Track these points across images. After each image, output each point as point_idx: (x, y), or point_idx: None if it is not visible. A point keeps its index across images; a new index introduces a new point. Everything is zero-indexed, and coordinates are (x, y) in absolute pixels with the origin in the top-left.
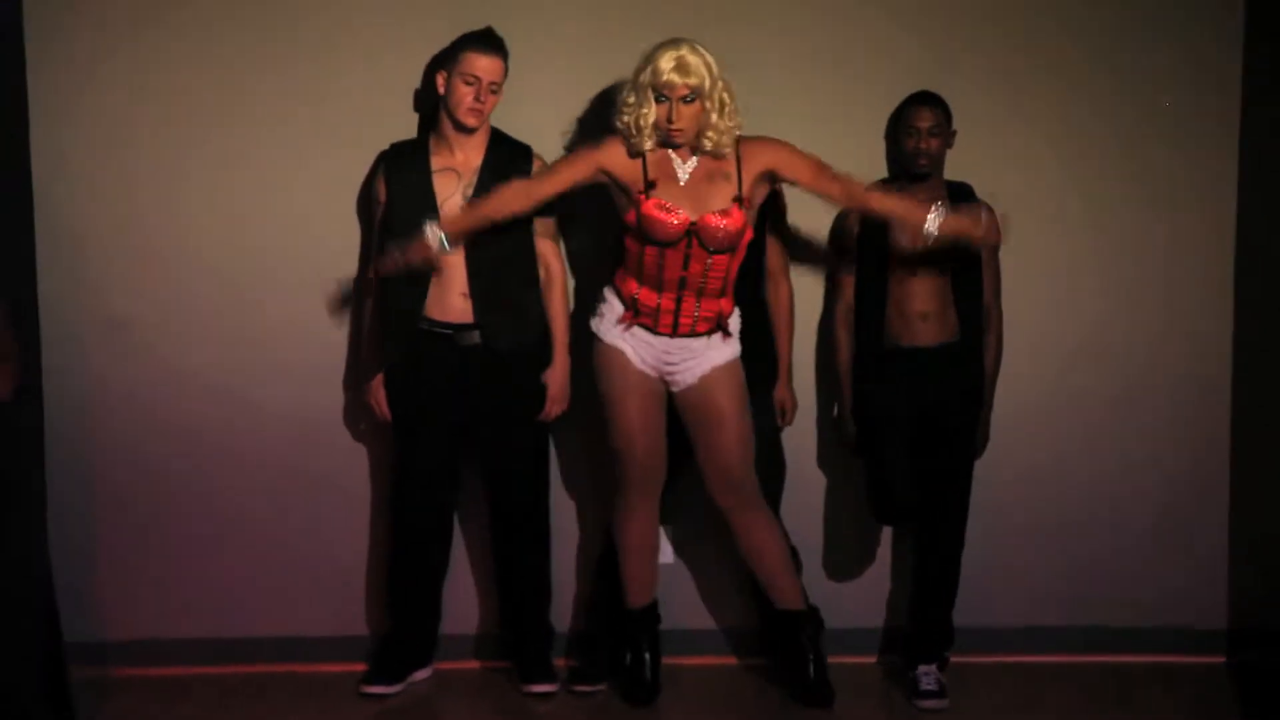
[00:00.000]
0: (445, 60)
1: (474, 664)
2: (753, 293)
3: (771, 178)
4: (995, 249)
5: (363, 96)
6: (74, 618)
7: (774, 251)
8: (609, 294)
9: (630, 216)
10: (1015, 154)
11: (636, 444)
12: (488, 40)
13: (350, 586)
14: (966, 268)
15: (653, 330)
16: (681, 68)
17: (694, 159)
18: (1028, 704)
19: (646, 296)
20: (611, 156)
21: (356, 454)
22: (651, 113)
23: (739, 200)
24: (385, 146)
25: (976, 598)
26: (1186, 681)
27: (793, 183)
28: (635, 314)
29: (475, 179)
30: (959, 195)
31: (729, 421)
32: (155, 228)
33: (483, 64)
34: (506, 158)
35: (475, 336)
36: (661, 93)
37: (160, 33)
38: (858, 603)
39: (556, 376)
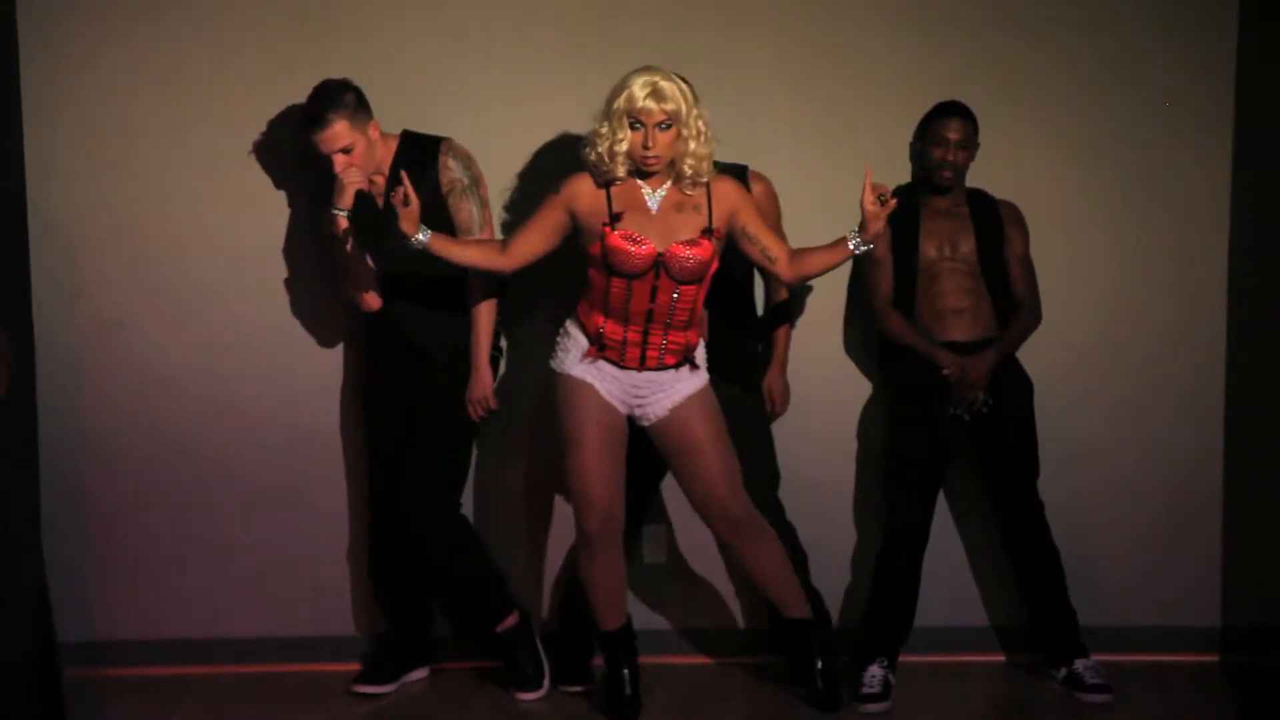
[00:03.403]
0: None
1: (479, 664)
2: (741, 291)
3: (732, 224)
4: (1025, 248)
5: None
6: (67, 618)
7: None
8: (572, 328)
9: (595, 248)
10: (1009, 157)
11: (594, 492)
12: (316, 117)
13: (344, 587)
14: (999, 264)
15: (619, 364)
16: (657, 93)
17: (664, 188)
18: (1023, 703)
19: (612, 330)
20: (574, 195)
21: (349, 455)
22: (626, 140)
23: (709, 232)
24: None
25: (971, 598)
26: (1180, 680)
27: (742, 234)
28: (601, 348)
29: (384, 182)
30: (978, 201)
31: (707, 449)
32: (148, 231)
33: (324, 141)
34: (415, 159)
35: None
36: (637, 119)
37: (154, 37)
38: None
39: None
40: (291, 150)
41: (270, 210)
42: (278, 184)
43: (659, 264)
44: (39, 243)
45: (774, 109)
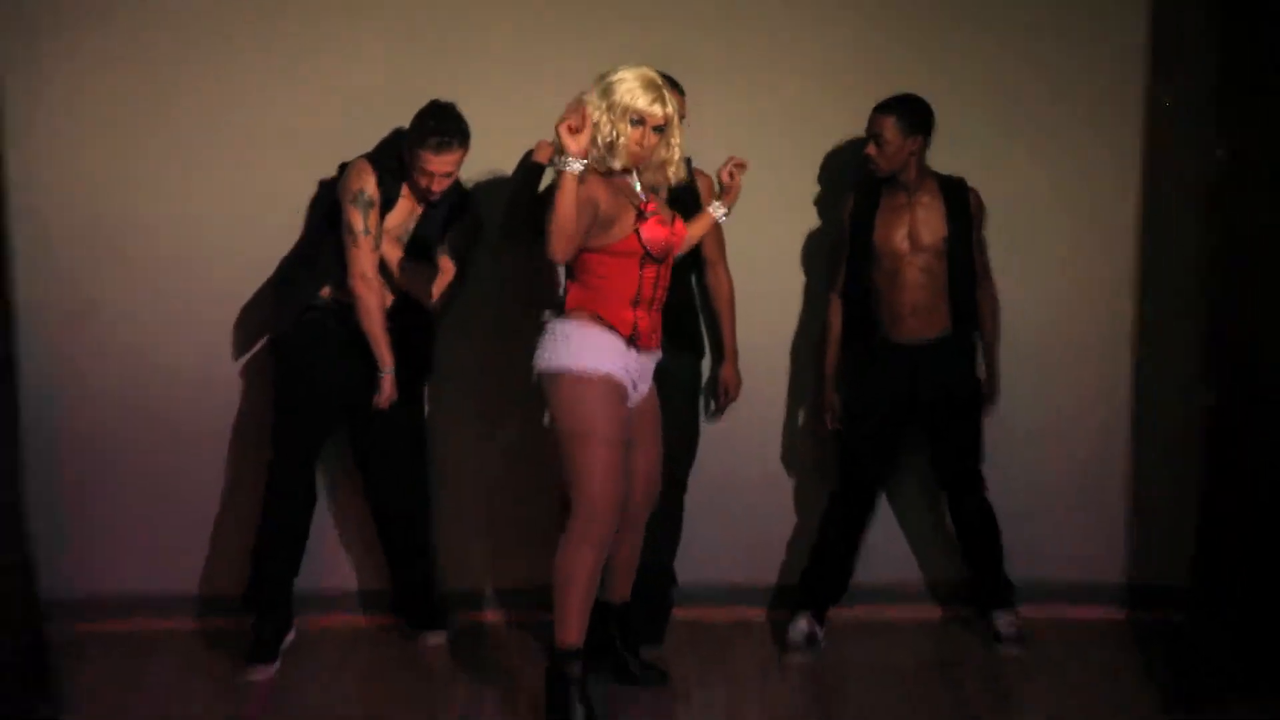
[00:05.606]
0: (410, 141)
1: (360, 619)
2: (684, 266)
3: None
4: (981, 227)
5: (318, 98)
6: (51, 578)
7: (710, 241)
8: (586, 326)
9: (629, 243)
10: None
11: (616, 487)
12: (443, 135)
13: (313, 546)
14: (958, 262)
15: (650, 349)
16: (662, 99)
17: (638, 181)
18: (938, 654)
19: (642, 318)
20: (596, 193)
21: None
22: (625, 136)
23: (672, 214)
24: (331, 146)
25: (883, 554)
26: (1089, 635)
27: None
28: (636, 338)
29: (420, 214)
30: (950, 188)
31: (657, 431)
32: (124, 216)
33: (436, 162)
34: (452, 200)
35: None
36: (639, 118)
37: (133, 26)
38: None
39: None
40: (258, 141)
41: (240, 197)
42: (249, 173)
43: (671, 245)
44: (19, 228)
45: (721, 102)
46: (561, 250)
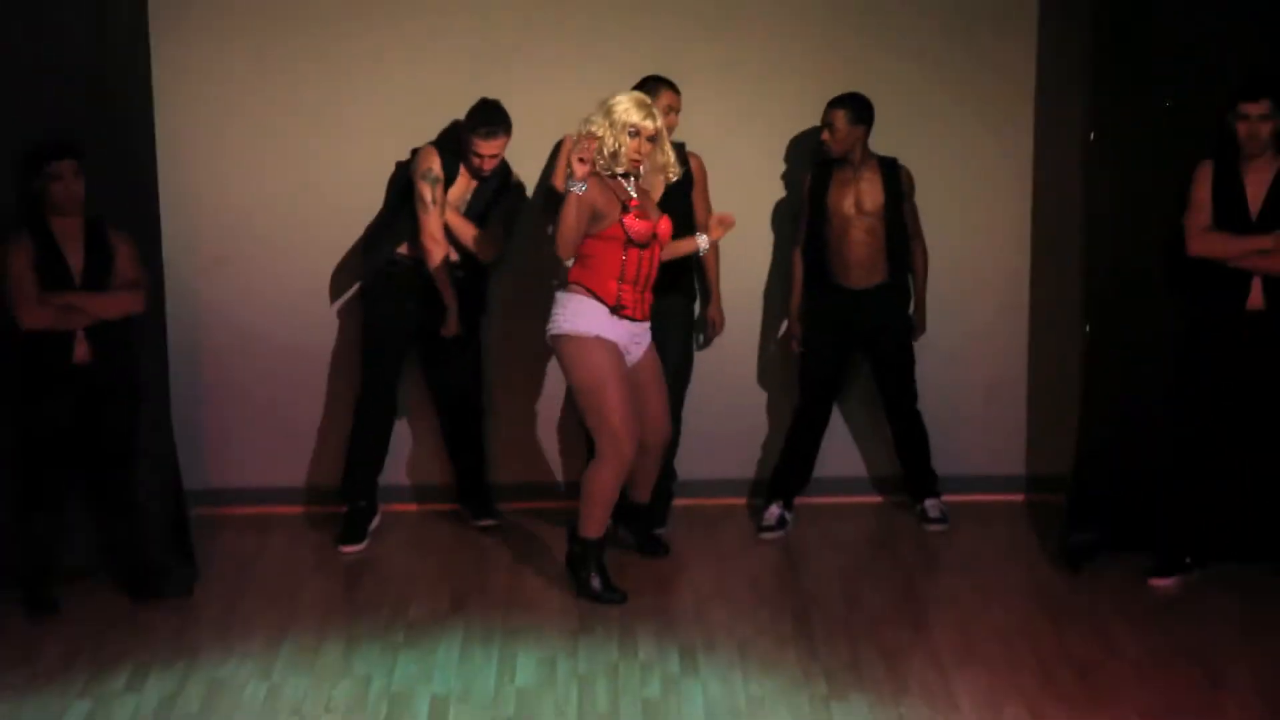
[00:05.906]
0: (465, 129)
1: (430, 507)
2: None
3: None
4: (911, 197)
5: (397, 98)
6: (189, 472)
7: (700, 207)
8: (578, 298)
9: (614, 230)
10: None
11: (631, 423)
12: (490, 125)
13: (395, 449)
14: (894, 224)
15: (634, 319)
16: (652, 116)
17: (632, 182)
18: (880, 531)
19: (626, 292)
20: (594, 196)
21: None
22: (625, 145)
23: (658, 213)
24: (405, 135)
25: (837, 454)
26: (995, 514)
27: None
28: (620, 308)
29: (475, 188)
30: (886, 166)
31: (660, 383)
32: (249, 189)
33: (485, 146)
34: (501, 177)
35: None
36: (636, 130)
37: (260, 35)
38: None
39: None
40: (349, 131)
41: (336, 175)
42: (343, 155)
43: (654, 234)
44: (168, 193)
45: (706, 97)
46: (566, 251)
